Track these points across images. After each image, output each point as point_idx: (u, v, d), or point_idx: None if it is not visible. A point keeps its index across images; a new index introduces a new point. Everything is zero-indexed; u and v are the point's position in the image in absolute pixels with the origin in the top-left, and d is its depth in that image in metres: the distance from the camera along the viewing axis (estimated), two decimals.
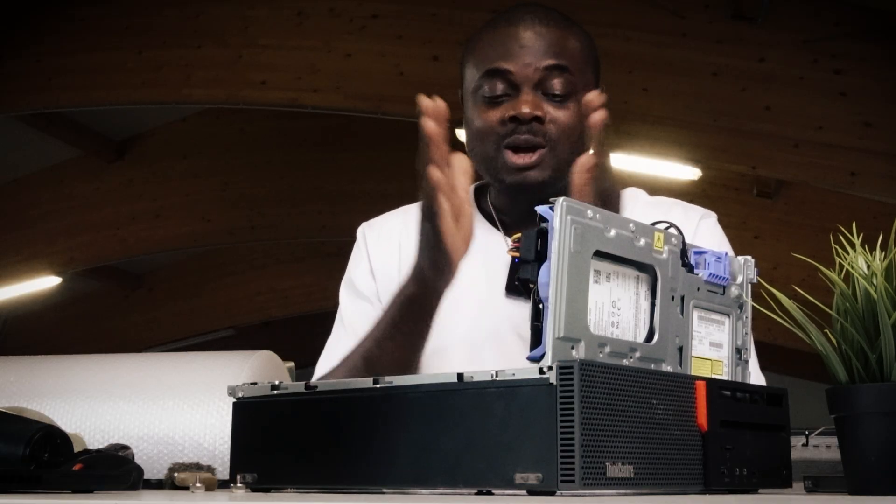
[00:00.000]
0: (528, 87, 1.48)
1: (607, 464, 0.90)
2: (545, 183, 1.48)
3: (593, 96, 1.36)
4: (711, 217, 1.61)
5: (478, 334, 1.50)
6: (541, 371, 0.91)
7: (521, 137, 1.48)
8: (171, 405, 1.73)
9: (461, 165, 1.28)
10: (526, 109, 1.47)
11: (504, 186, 1.52)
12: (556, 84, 1.48)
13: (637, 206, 1.56)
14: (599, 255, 1.01)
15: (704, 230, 1.56)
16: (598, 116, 1.34)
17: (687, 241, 1.48)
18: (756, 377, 1.39)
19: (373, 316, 1.50)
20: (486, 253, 1.52)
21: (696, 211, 1.61)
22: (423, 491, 1.00)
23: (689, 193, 6.03)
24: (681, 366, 1.07)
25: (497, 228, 1.58)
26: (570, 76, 1.49)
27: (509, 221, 1.57)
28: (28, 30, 6.15)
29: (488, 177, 1.55)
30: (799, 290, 1.16)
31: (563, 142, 1.48)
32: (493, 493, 0.95)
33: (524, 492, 0.91)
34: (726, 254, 1.14)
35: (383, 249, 1.62)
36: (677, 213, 1.56)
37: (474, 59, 1.54)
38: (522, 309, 1.43)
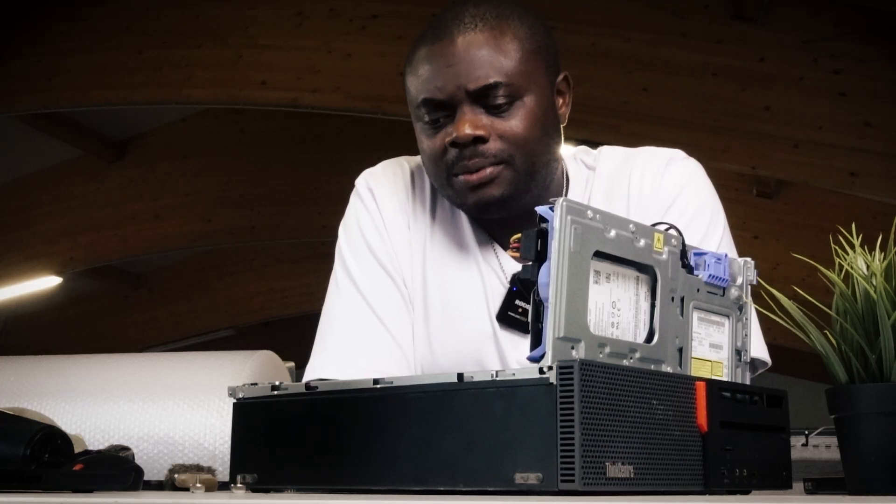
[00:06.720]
0: (466, 106, 1.35)
1: (607, 464, 0.90)
2: (505, 199, 1.37)
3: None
4: (676, 162, 1.48)
5: (465, 360, 1.43)
6: (541, 371, 0.91)
7: (468, 163, 1.35)
8: (171, 405, 1.73)
9: None
10: (467, 131, 1.34)
11: (467, 209, 1.42)
12: (496, 95, 1.35)
13: (611, 163, 1.50)
14: (599, 255, 1.01)
15: (669, 177, 1.46)
16: None
17: (651, 190, 1.46)
18: (757, 340, 1.36)
19: (398, 299, 1.44)
20: (482, 277, 1.46)
21: (662, 157, 1.49)
22: (423, 491, 1.00)
23: None
24: (681, 367, 1.07)
25: (492, 246, 1.48)
26: (509, 86, 1.34)
27: (501, 238, 1.46)
28: (28, 30, 6.15)
29: (449, 202, 1.45)
30: (798, 290, 1.15)
31: (518, 154, 1.36)
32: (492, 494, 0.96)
33: (524, 492, 0.91)
34: (726, 255, 1.14)
35: (395, 206, 1.51)
36: (641, 161, 1.48)
37: (412, 79, 1.41)
38: (513, 339, 1.42)
